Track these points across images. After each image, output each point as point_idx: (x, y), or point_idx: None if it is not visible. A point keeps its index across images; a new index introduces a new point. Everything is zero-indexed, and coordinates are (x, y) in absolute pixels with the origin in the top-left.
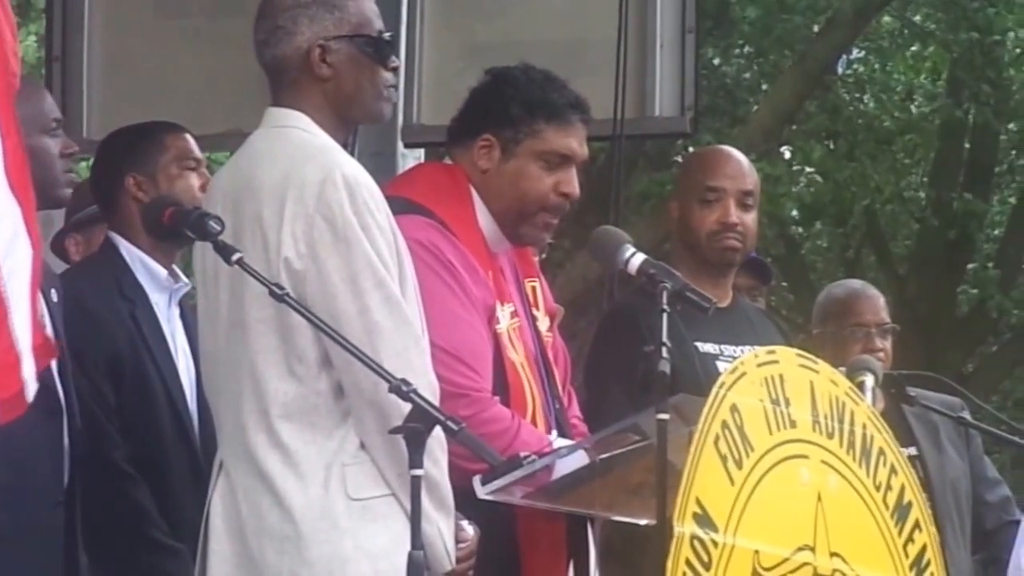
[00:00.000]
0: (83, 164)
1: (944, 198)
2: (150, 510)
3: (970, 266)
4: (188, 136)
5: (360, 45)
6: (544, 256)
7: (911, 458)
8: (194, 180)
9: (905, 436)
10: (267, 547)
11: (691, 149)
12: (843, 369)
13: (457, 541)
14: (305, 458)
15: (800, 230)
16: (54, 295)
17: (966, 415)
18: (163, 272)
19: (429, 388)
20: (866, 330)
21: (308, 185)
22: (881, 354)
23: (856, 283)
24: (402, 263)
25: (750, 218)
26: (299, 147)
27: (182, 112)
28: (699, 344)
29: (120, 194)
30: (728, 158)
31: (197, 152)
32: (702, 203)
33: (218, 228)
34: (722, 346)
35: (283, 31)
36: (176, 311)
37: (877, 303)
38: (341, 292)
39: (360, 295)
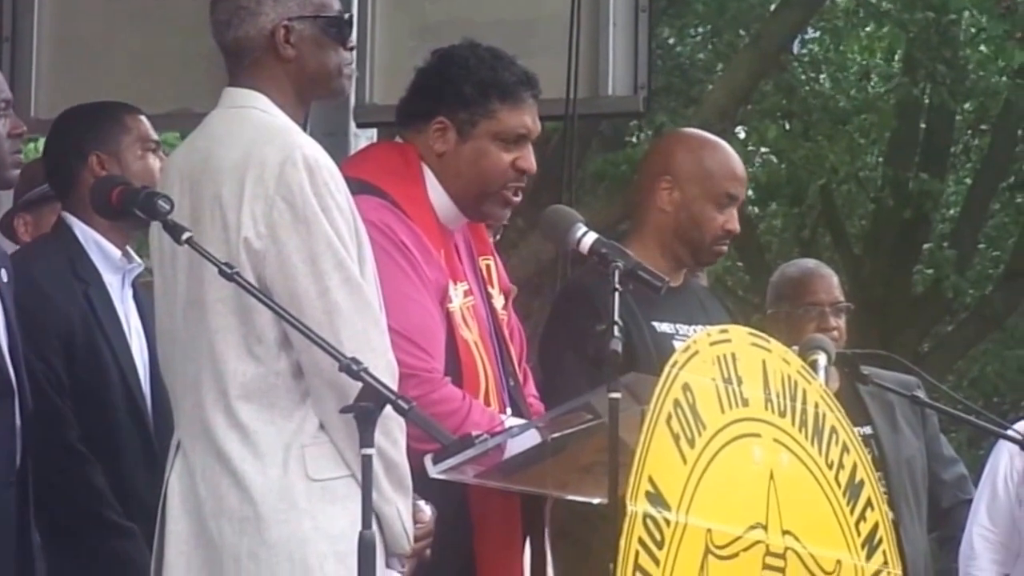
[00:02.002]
0: (31, 145)
1: (900, 178)
2: (103, 490)
3: (925, 246)
4: (143, 118)
5: (323, 25)
6: (498, 237)
7: (866, 437)
8: (154, 162)
9: (860, 415)
10: (226, 528)
11: (647, 131)
12: (796, 348)
13: (415, 521)
14: (264, 439)
15: (755, 210)
16: (4, 275)
17: (921, 393)
18: (117, 253)
19: (388, 368)
20: (820, 309)
21: (268, 166)
22: (835, 333)
23: (810, 262)
24: (361, 244)
25: None
26: (259, 128)
27: (130, 92)
28: (656, 324)
29: (81, 173)
30: (740, 163)
31: (154, 134)
32: (718, 206)
33: (167, 208)
34: (677, 325)
35: (246, 12)
36: (129, 292)
37: (831, 282)
38: (301, 273)
39: (320, 276)
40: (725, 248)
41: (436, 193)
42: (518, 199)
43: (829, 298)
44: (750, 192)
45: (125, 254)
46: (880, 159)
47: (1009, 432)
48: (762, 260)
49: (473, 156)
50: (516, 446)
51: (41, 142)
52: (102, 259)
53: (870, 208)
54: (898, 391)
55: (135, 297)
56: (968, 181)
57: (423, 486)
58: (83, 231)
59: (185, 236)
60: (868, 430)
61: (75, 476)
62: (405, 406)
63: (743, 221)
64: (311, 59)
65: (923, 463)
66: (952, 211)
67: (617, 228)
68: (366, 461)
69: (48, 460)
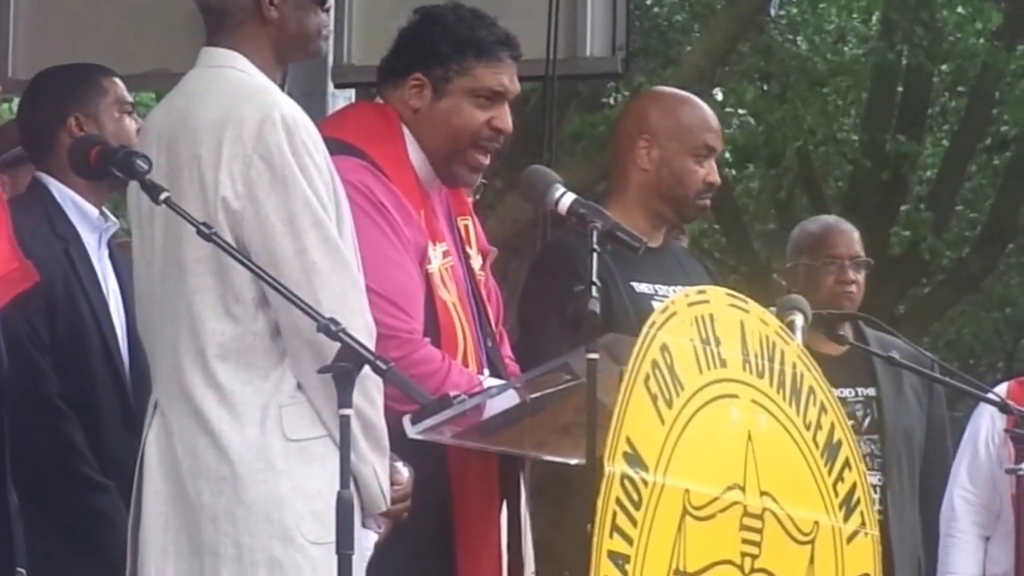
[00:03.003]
0: (4, 105)
1: (877, 140)
2: (81, 447)
3: (903, 208)
4: (118, 80)
5: None
6: (478, 197)
7: (868, 398)
8: (131, 124)
9: (866, 376)
10: (203, 487)
11: (625, 93)
12: (773, 309)
13: (392, 483)
14: (242, 399)
15: (733, 172)
16: None
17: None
18: (94, 212)
19: (366, 329)
20: (840, 263)
21: (246, 125)
22: (853, 287)
23: (831, 218)
24: (339, 204)
25: None
26: (237, 87)
27: (108, 52)
28: (635, 284)
29: (60, 134)
30: (714, 116)
31: (129, 96)
32: (697, 159)
33: (145, 167)
34: (656, 286)
35: None
36: (106, 251)
37: (851, 237)
38: (279, 233)
39: (298, 236)
40: (708, 201)
41: (416, 153)
42: (487, 160)
43: (849, 252)
44: (727, 154)
45: (102, 213)
46: (857, 121)
47: (988, 395)
48: (739, 222)
49: (447, 112)
50: (494, 407)
51: (17, 103)
52: (80, 218)
53: (847, 170)
54: (876, 352)
55: (111, 257)
56: (945, 143)
57: (401, 447)
58: (60, 191)
59: (163, 196)
60: (872, 392)
61: (53, 431)
62: (383, 366)
63: (720, 183)
64: (292, 21)
65: (921, 435)
66: (929, 173)
67: (595, 189)
68: (344, 421)
69: (26, 414)
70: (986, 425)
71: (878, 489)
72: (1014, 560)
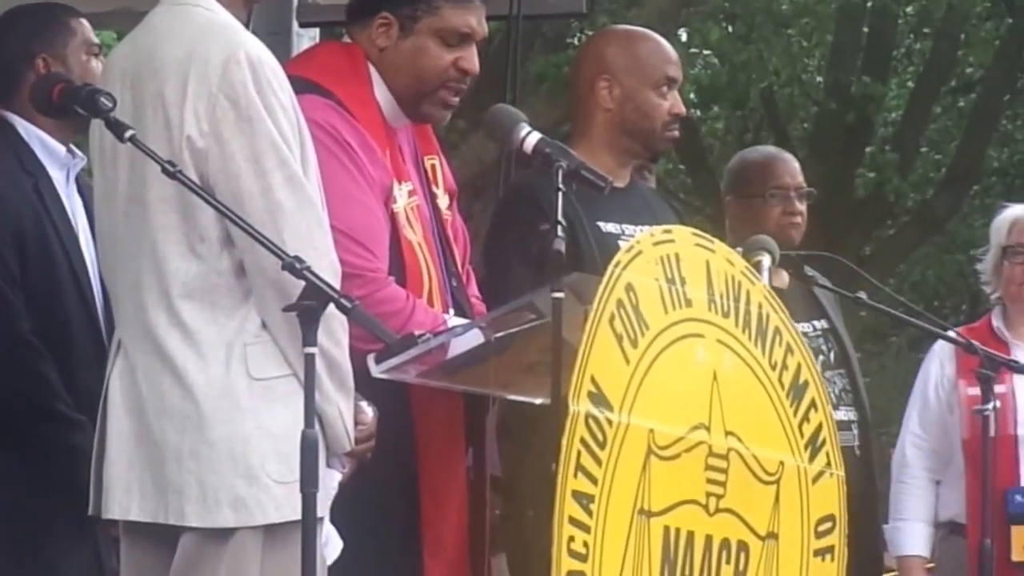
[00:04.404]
0: None
1: (842, 82)
2: (54, 383)
3: (868, 150)
4: (85, 21)
5: None
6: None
7: (824, 331)
8: (97, 66)
9: (814, 308)
10: (167, 426)
11: (589, 33)
12: (740, 249)
13: (356, 422)
14: (206, 338)
15: (698, 113)
16: None
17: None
18: (62, 149)
19: (331, 268)
20: (785, 193)
21: (211, 63)
22: (798, 218)
23: (771, 148)
24: (304, 144)
25: None
26: (202, 25)
27: None
28: (601, 224)
29: (27, 74)
30: (670, 47)
31: (96, 38)
32: (659, 92)
33: (109, 105)
34: (623, 226)
35: None
36: (74, 187)
37: (795, 166)
38: (244, 172)
39: (263, 175)
40: (676, 132)
41: (382, 92)
42: (456, 100)
43: (794, 182)
44: (692, 95)
45: (69, 150)
46: (822, 62)
47: (950, 333)
48: (704, 163)
49: (413, 52)
50: (459, 346)
51: None
52: (47, 155)
53: (812, 111)
54: (842, 292)
55: (80, 193)
56: (910, 85)
57: (365, 387)
58: (26, 128)
59: (128, 134)
60: (825, 324)
61: (26, 367)
62: (348, 305)
63: (685, 124)
64: None
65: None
66: (894, 115)
67: (559, 130)
68: (308, 360)
69: None
70: (935, 371)
71: (854, 425)
72: (968, 500)
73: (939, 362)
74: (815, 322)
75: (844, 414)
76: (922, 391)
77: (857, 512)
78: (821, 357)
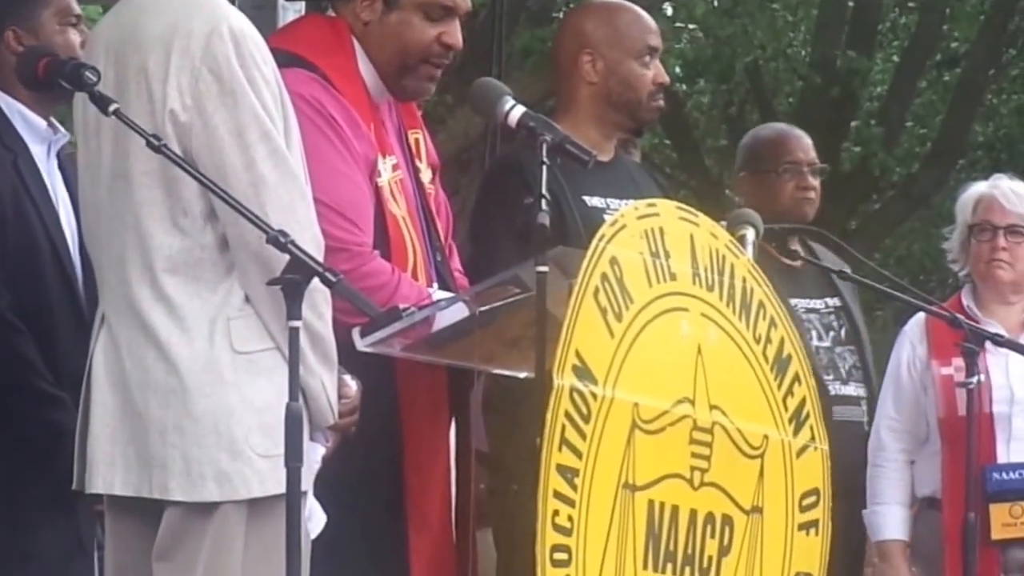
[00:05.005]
0: None
1: (827, 56)
2: (34, 360)
3: (853, 124)
4: None
5: None
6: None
7: (837, 308)
8: (75, 36)
9: (829, 286)
10: (151, 400)
11: (572, 5)
12: (724, 223)
13: (340, 396)
14: (190, 312)
15: (683, 87)
16: None
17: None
18: (42, 123)
19: (314, 241)
20: (798, 168)
21: (194, 37)
22: (812, 193)
23: (782, 125)
24: (287, 117)
25: None
26: None
27: None
28: (586, 198)
29: None
30: (648, 16)
31: (77, 8)
32: (641, 62)
33: (94, 79)
34: (608, 200)
35: None
36: (55, 162)
37: (807, 142)
38: (227, 145)
39: (246, 148)
40: (661, 102)
41: (365, 66)
42: (439, 74)
43: (807, 158)
44: (677, 69)
45: (50, 125)
46: (807, 37)
47: (933, 308)
48: (689, 137)
49: (397, 27)
50: (444, 319)
51: None
52: (27, 129)
53: (798, 86)
54: (827, 267)
55: (61, 168)
56: (896, 59)
57: (349, 360)
58: (6, 102)
59: (112, 107)
60: (837, 302)
61: (5, 345)
62: (332, 279)
63: (670, 99)
64: None
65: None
66: (879, 89)
67: (544, 104)
68: (292, 334)
69: None
70: (907, 352)
71: (863, 401)
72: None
73: (910, 344)
74: (828, 299)
75: (853, 389)
76: (895, 373)
77: (864, 485)
78: (832, 333)
